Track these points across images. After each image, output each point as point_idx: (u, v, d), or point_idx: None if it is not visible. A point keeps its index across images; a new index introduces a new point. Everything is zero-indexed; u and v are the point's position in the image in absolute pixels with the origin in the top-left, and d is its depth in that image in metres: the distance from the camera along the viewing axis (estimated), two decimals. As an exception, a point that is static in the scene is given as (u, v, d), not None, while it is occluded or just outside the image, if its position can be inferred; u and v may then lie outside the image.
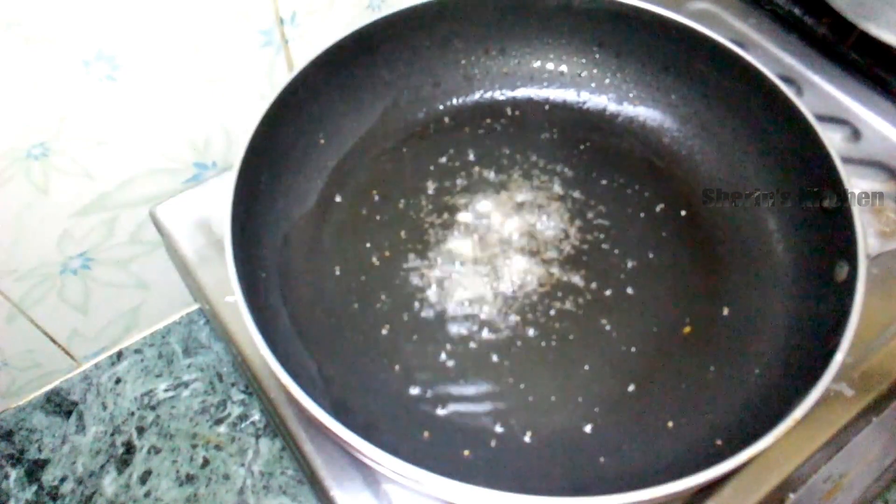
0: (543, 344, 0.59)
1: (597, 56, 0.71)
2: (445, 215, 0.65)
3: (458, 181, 0.67)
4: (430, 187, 0.67)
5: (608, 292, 0.61)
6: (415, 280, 0.62)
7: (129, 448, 0.77)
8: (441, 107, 0.71)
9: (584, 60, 0.72)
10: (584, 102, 0.72)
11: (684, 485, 0.42)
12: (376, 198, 0.66)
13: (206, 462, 0.76)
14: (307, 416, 0.48)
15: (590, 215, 0.65)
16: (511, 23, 0.70)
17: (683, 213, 0.65)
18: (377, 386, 0.57)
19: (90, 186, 0.66)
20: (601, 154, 0.69)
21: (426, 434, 0.55)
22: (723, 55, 0.63)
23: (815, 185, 0.57)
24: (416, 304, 0.61)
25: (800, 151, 0.59)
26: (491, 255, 0.63)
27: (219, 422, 0.78)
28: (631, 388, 0.56)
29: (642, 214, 0.65)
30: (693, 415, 0.54)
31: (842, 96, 0.74)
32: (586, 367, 0.57)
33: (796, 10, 0.79)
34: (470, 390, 0.57)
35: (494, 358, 0.58)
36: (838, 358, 0.47)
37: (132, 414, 0.78)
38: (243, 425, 0.78)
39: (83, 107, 0.59)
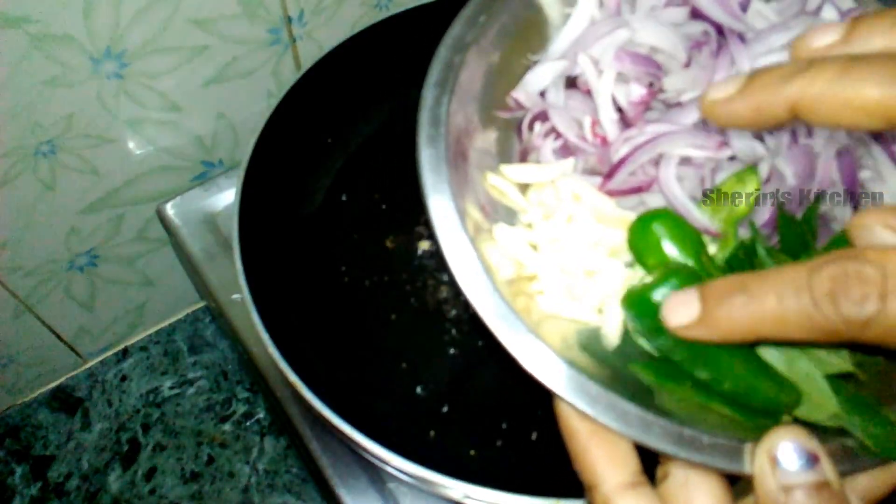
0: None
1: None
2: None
3: (465, 181, 0.67)
4: (437, 187, 0.67)
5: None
6: (421, 279, 0.62)
7: (135, 445, 0.77)
8: (448, 106, 0.71)
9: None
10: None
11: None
12: (382, 197, 0.66)
13: (210, 460, 0.76)
14: (313, 414, 0.48)
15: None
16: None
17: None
18: (383, 384, 0.57)
19: (97, 184, 0.66)
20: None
21: (432, 433, 0.55)
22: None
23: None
24: (423, 304, 0.61)
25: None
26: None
27: (224, 419, 0.78)
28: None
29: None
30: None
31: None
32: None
33: None
34: (476, 388, 0.57)
35: (497, 355, 0.58)
36: None
37: (137, 411, 0.79)
38: (248, 423, 0.78)
39: (91, 104, 0.59)
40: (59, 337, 0.77)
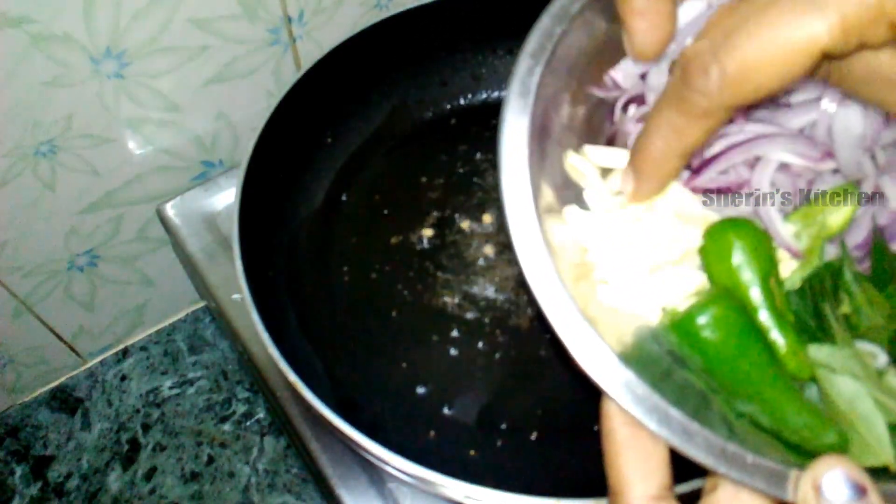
0: (550, 342, 0.59)
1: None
2: (451, 216, 0.65)
3: (465, 182, 0.67)
4: (437, 188, 0.67)
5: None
6: (421, 279, 0.62)
7: (134, 445, 0.77)
8: (448, 106, 0.71)
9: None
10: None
11: (692, 486, 0.42)
12: (383, 197, 0.66)
13: (210, 460, 0.76)
14: (313, 415, 0.48)
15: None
16: (519, 23, 0.70)
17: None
18: (384, 385, 0.57)
19: (97, 184, 0.66)
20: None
21: (432, 433, 0.55)
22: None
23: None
24: (423, 303, 0.61)
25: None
26: (497, 256, 0.63)
27: (224, 419, 0.78)
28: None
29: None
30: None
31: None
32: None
33: None
34: (476, 389, 0.57)
35: (497, 356, 0.58)
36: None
37: (137, 411, 0.79)
38: (248, 423, 0.78)
39: (91, 104, 0.59)
40: (59, 337, 0.77)
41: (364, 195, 0.66)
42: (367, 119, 0.69)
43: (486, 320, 0.60)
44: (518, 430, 0.55)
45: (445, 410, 0.56)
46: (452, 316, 0.60)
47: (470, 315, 0.60)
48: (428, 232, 0.64)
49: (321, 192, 0.66)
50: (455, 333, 0.59)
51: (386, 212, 0.66)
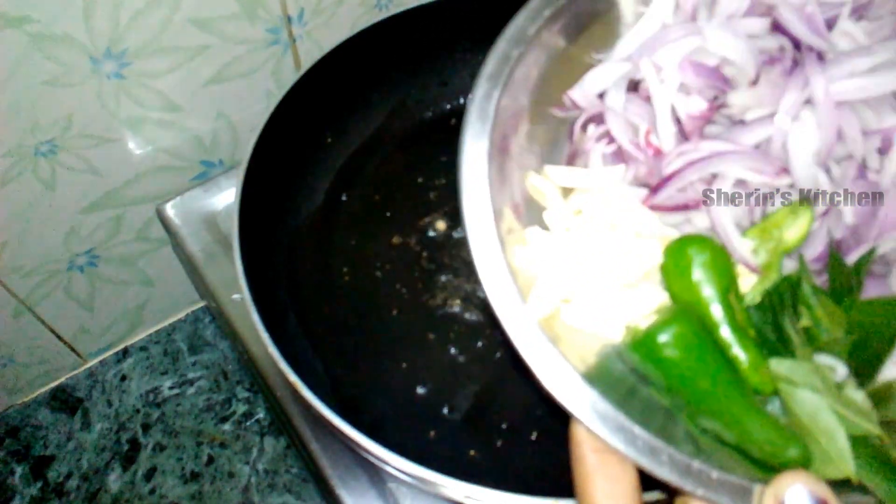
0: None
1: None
2: (452, 216, 0.65)
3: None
4: (437, 188, 0.67)
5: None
6: (422, 279, 0.62)
7: (134, 445, 0.77)
8: (448, 106, 0.71)
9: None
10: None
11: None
12: (383, 197, 0.66)
13: (210, 460, 0.76)
14: (313, 415, 0.48)
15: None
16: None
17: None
18: (384, 385, 0.57)
19: (97, 184, 0.66)
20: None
21: (432, 433, 0.55)
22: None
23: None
24: (423, 303, 0.61)
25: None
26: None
27: (224, 419, 0.78)
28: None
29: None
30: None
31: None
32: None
33: None
34: (476, 388, 0.57)
35: (498, 355, 0.58)
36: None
37: (137, 411, 0.79)
38: (248, 423, 0.78)
39: (91, 104, 0.59)
40: (58, 337, 0.77)
41: (364, 195, 0.66)
42: (367, 119, 0.69)
43: (486, 320, 0.60)
44: (518, 430, 0.55)
45: (445, 410, 0.56)
46: (452, 316, 0.60)
47: (470, 315, 0.60)
48: (428, 232, 0.64)
49: (321, 191, 0.66)
50: (455, 333, 0.59)
51: (386, 212, 0.65)
